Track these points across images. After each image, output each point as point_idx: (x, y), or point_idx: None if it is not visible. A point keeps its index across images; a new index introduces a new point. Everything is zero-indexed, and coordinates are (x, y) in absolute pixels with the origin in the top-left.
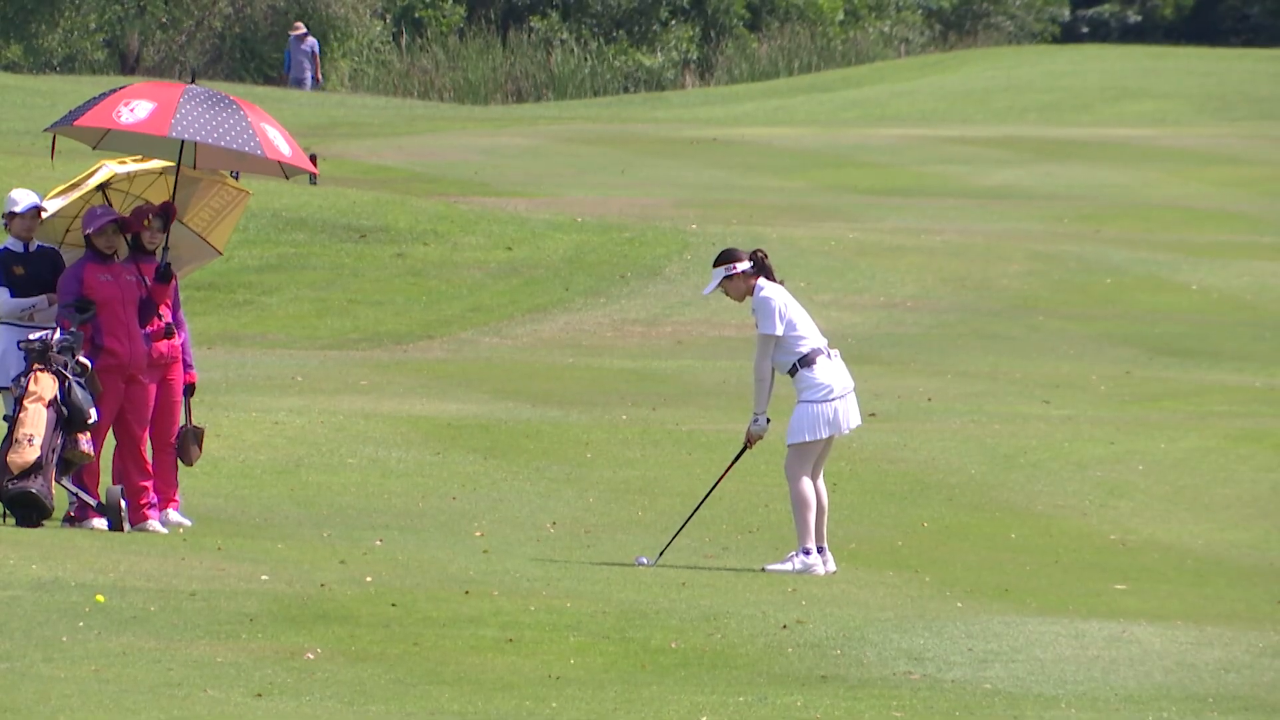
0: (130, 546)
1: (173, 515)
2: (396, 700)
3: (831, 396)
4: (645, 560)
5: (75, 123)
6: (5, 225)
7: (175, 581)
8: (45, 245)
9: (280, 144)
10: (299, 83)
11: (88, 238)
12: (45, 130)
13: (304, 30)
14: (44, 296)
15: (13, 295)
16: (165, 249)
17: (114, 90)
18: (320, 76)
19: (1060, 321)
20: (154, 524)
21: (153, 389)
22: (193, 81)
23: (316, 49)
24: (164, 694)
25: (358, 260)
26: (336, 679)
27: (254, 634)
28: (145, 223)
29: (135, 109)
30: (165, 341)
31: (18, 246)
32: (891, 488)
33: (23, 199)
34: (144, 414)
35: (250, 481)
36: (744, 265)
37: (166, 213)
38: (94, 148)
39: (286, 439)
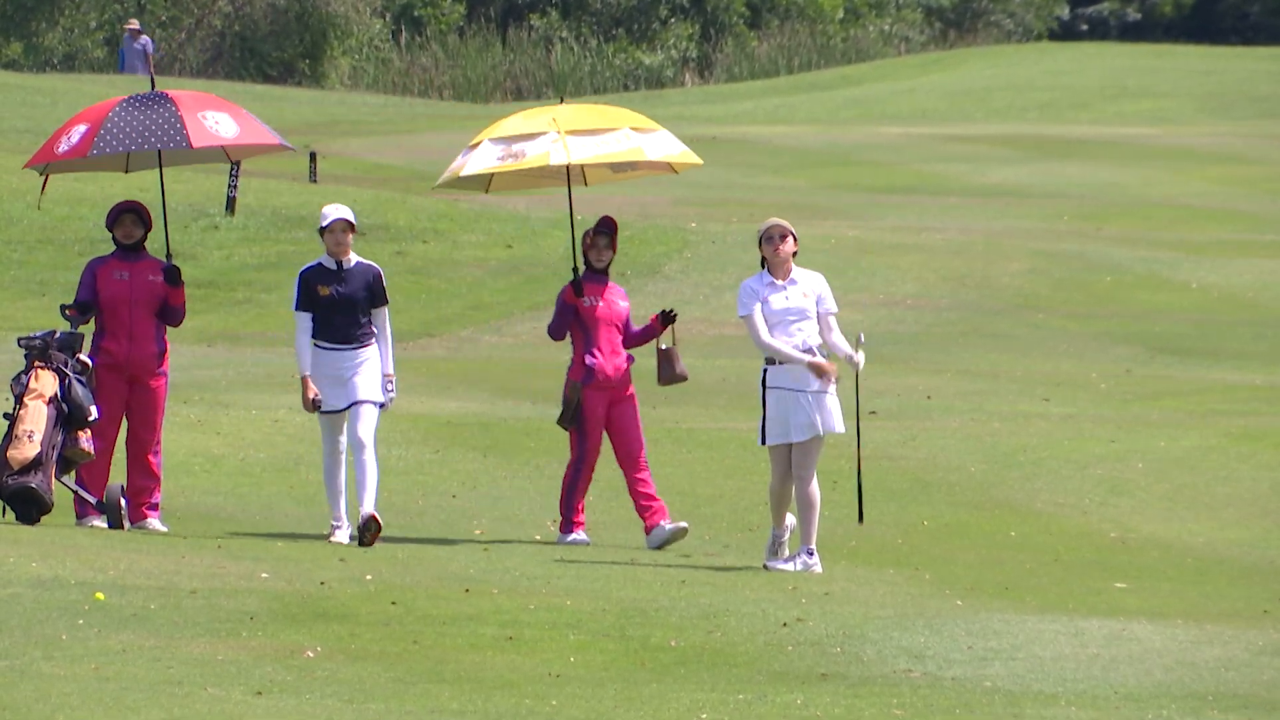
0: (130, 544)
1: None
2: (396, 698)
3: (763, 410)
4: None
5: (27, 165)
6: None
7: (175, 579)
8: (364, 262)
9: (222, 129)
10: None
11: (110, 229)
12: (25, 167)
13: (138, 27)
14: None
15: (316, 317)
16: (169, 255)
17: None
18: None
19: (1061, 320)
20: (154, 522)
21: (158, 391)
22: (152, 88)
23: (150, 48)
24: (164, 692)
25: None
26: (336, 677)
27: (254, 632)
28: (588, 240)
29: (72, 135)
30: None
31: (330, 263)
32: (892, 486)
33: (333, 213)
34: (149, 415)
35: (250, 479)
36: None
37: (610, 227)
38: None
39: (286, 437)
